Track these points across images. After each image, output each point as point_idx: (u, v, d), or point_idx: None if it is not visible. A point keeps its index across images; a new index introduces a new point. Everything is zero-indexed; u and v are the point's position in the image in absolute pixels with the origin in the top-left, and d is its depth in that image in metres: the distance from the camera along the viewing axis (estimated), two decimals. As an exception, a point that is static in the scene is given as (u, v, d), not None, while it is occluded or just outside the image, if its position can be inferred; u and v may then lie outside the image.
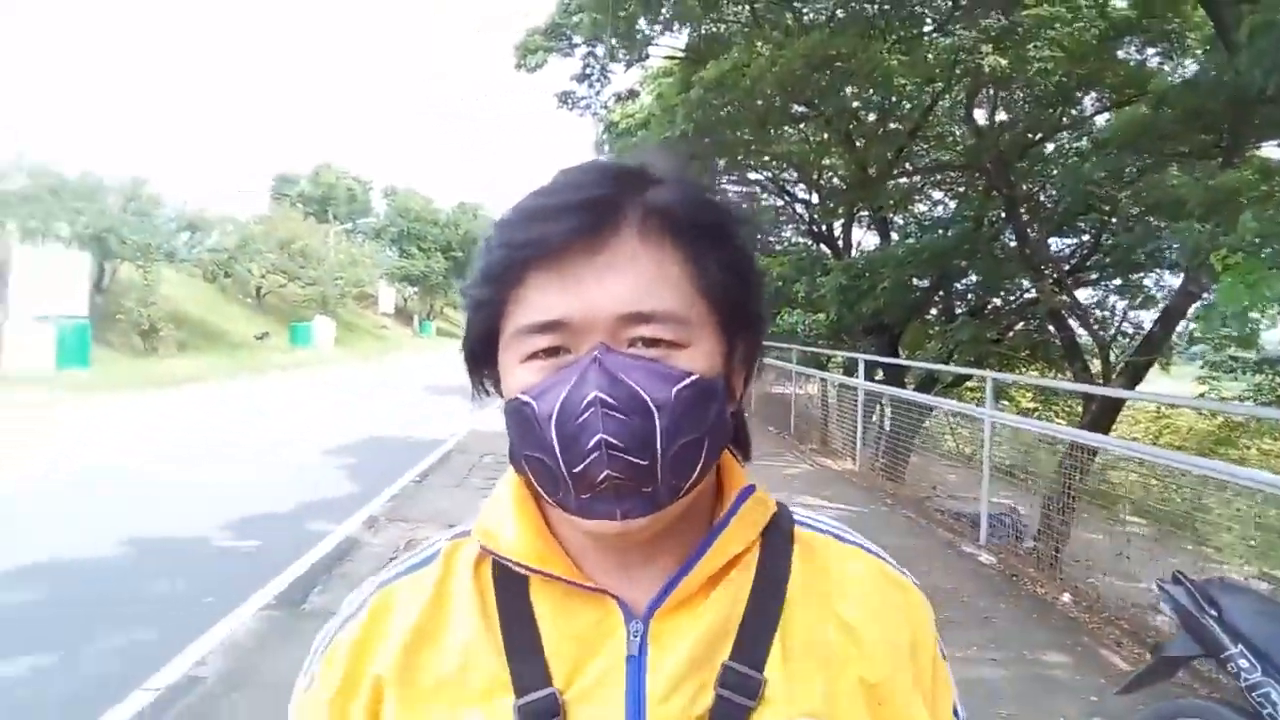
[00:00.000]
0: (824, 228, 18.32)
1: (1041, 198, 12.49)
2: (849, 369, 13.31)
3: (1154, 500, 6.08)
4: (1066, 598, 5.32)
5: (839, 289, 12.75)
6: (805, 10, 12.32)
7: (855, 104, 12.56)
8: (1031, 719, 3.51)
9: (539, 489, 0.65)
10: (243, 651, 4.37)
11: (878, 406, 10.59)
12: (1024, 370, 14.82)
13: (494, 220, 0.66)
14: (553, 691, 0.63)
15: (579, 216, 0.61)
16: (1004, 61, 9.44)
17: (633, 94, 20.12)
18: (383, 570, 0.74)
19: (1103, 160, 9.80)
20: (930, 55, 10.02)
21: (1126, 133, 8.89)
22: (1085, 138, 11.46)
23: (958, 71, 10.12)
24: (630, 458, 0.59)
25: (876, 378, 12.04)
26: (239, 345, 30.01)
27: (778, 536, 0.70)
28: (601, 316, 0.60)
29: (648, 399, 0.59)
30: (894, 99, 12.10)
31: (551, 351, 0.62)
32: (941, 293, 14.54)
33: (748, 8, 13.41)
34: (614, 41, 15.18)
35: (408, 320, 62.23)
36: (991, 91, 11.70)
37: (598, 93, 19.35)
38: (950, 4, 10.50)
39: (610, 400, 0.58)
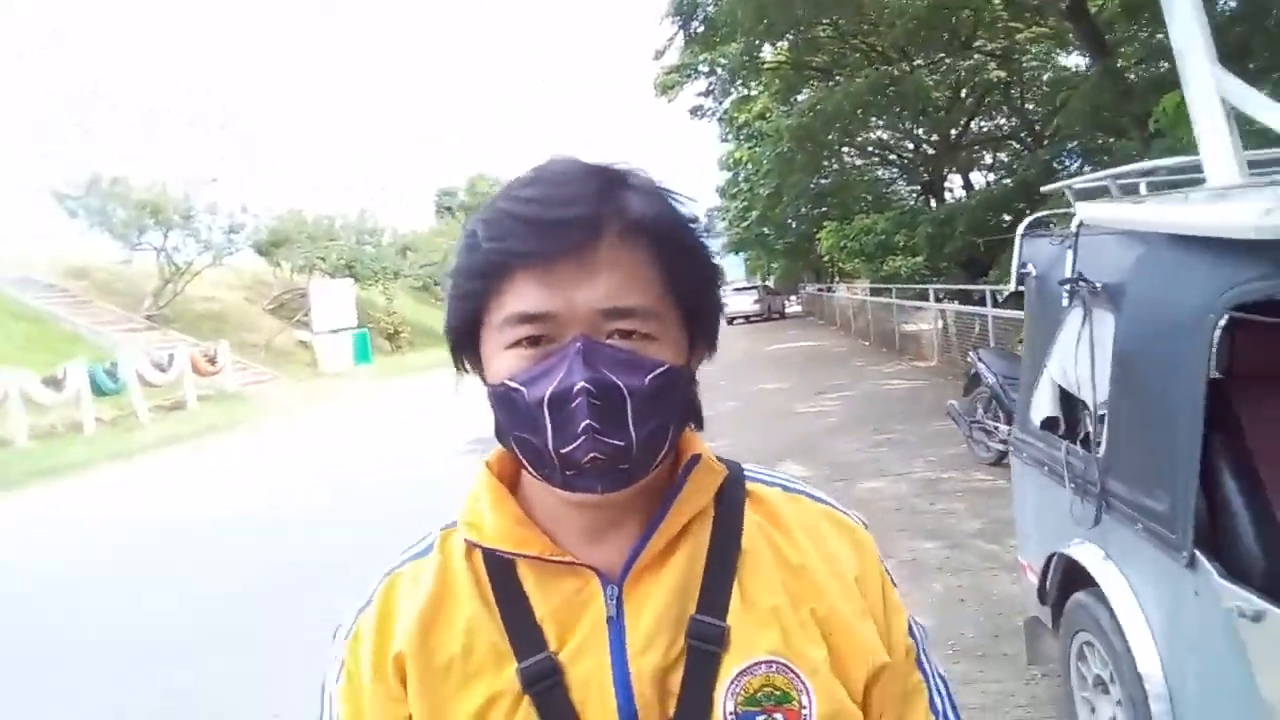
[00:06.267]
0: (924, 180, 22.55)
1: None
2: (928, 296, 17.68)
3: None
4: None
5: (928, 237, 17.00)
6: (874, 41, 16.81)
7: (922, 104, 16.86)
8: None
9: (525, 464, 0.72)
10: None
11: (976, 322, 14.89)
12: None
13: (478, 217, 0.71)
14: (549, 654, 0.70)
15: (570, 232, 0.66)
16: (1004, 73, 13.85)
17: (748, 98, 24.89)
18: (387, 561, 0.81)
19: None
20: (953, 76, 14.49)
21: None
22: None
23: (975, 80, 14.53)
24: (611, 440, 0.66)
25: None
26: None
27: (731, 495, 0.78)
28: (584, 311, 0.67)
29: (624, 387, 0.66)
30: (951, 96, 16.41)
31: (534, 340, 0.68)
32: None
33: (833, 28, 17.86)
34: (732, 72, 20.02)
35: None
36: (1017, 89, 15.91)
37: (721, 103, 24.42)
38: (960, 41, 14.90)
39: (594, 390, 0.65)
